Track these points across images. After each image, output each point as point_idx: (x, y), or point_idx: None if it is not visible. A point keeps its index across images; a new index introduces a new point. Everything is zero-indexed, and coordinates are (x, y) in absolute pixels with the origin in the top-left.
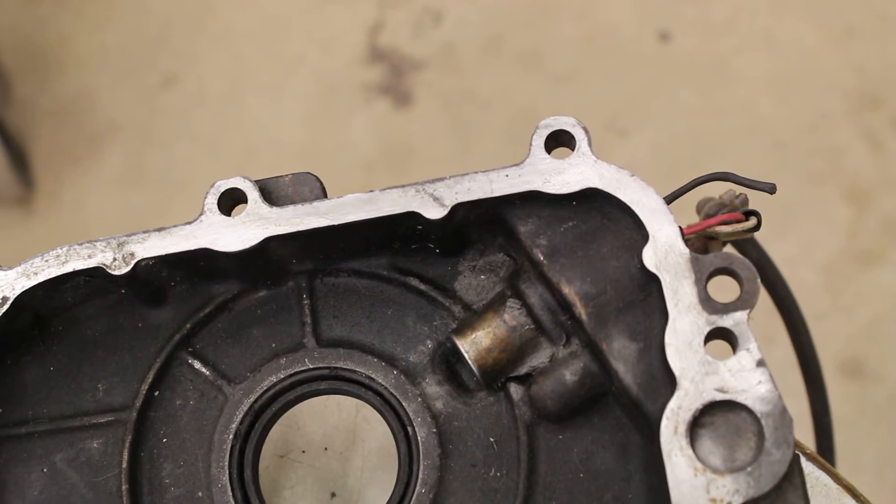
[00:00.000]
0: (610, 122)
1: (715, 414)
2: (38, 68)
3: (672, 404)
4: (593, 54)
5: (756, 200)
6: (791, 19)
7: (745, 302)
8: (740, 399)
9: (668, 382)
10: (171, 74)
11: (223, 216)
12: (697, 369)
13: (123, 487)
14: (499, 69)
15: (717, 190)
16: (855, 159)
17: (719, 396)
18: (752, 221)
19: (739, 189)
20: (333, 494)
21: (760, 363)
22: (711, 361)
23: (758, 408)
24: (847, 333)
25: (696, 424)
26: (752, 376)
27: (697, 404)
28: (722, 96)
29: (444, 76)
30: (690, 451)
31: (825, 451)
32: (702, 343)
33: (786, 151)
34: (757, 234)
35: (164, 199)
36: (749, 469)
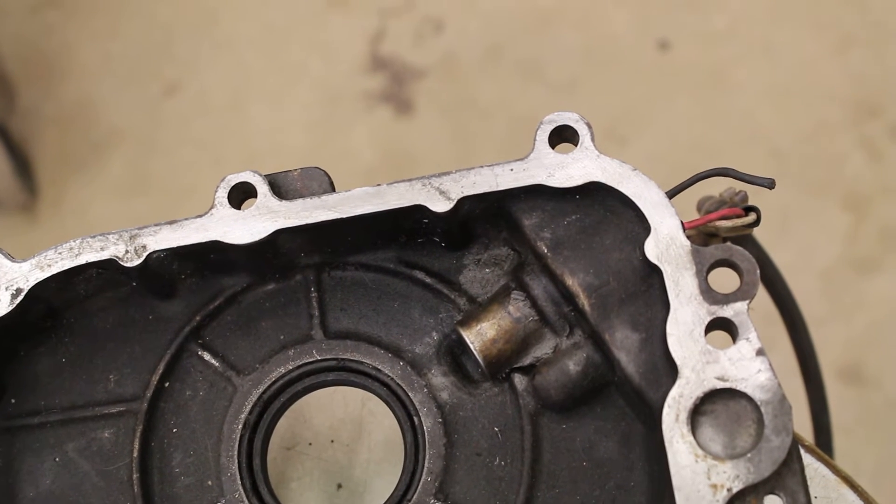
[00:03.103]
0: (609, 131)
1: (715, 402)
2: (42, 76)
3: (673, 393)
4: (593, 63)
5: (755, 204)
6: (789, 29)
7: (744, 293)
8: (740, 387)
9: (670, 371)
10: (174, 82)
11: (233, 209)
12: (698, 358)
13: (134, 476)
14: (499, 78)
15: (717, 188)
16: (853, 167)
17: (720, 385)
18: (752, 217)
19: (739, 186)
20: (340, 486)
21: (760, 352)
22: (712, 351)
23: (757, 396)
24: (845, 340)
25: (697, 412)
26: (751, 365)
27: (698, 392)
28: (721, 105)
29: (445, 85)
30: (691, 438)
31: (824, 447)
32: (702, 333)
33: (784, 160)
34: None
35: (168, 206)
36: (749, 455)
